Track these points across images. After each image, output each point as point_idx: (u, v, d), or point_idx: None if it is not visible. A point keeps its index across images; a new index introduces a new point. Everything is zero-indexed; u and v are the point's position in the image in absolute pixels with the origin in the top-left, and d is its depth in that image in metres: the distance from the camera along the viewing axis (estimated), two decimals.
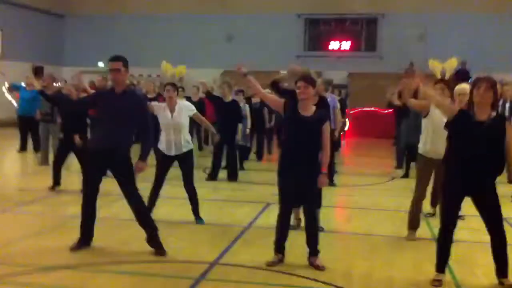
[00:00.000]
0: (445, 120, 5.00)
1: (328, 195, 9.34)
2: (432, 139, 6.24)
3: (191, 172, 7.11)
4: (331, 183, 9.91)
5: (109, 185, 6.09)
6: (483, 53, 19.90)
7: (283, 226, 5.51)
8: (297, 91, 5.34)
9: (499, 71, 17.54)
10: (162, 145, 6.96)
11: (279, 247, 5.50)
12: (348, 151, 16.57)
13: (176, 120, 6.90)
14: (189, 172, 7.06)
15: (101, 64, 23.41)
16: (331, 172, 9.99)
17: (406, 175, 10.97)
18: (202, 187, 8.15)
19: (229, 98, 10.36)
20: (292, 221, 6.48)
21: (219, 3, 22.74)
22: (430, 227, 6.91)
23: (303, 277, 5.10)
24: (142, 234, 5.71)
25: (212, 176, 10.17)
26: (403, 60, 20.03)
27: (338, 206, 8.94)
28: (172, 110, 6.93)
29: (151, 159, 6.66)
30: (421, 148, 6.41)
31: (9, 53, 20.35)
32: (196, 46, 22.63)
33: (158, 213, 6.83)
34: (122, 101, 5.59)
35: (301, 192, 5.44)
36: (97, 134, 5.99)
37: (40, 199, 8.12)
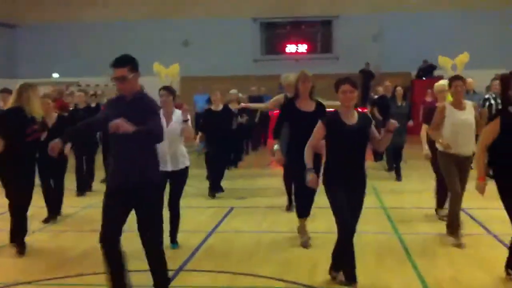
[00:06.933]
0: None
1: None
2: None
3: (181, 191, 6.34)
4: None
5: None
6: (445, 50, 19.39)
7: (348, 251, 4.87)
8: (342, 96, 4.80)
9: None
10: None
11: (352, 277, 4.92)
12: None
13: (173, 130, 6.00)
14: (179, 191, 6.29)
15: (55, 75, 22.89)
16: None
17: None
18: None
19: (219, 106, 9.96)
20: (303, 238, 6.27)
21: (174, 9, 22.67)
22: None
23: None
24: None
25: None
26: (359, 61, 20.89)
27: None
28: (168, 118, 6.02)
29: None
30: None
31: None
32: (152, 52, 22.46)
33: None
34: (133, 108, 4.34)
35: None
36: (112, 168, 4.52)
37: None
